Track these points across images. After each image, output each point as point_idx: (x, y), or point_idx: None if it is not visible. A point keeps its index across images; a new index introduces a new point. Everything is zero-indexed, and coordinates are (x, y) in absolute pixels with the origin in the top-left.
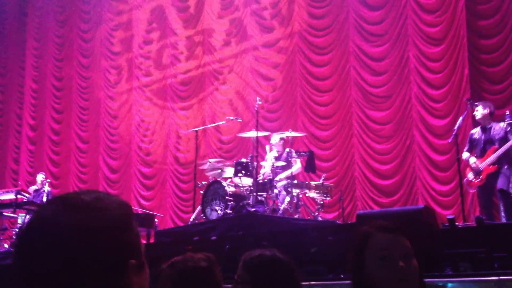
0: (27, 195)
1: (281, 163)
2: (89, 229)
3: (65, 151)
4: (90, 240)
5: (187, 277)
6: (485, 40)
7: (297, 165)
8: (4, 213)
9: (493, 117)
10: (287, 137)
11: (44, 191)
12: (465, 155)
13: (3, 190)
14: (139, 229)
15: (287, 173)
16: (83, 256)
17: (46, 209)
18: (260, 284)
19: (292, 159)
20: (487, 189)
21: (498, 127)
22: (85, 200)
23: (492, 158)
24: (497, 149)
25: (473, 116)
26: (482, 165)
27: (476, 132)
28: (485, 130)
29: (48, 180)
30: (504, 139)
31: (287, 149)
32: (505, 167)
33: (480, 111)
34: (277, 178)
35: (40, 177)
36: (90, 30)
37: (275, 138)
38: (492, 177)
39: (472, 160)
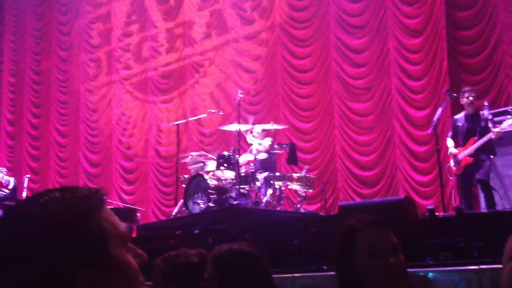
0: (6, 191)
1: (263, 155)
2: (29, 239)
3: (44, 146)
4: (27, 252)
5: (179, 272)
6: (464, 31)
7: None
8: None
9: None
10: (268, 129)
11: (7, 181)
12: (449, 142)
13: None
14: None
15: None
16: (20, 264)
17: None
18: (229, 279)
19: (275, 151)
20: (466, 179)
21: (480, 117)
22: (29, 209)
23: (470, 149)
24: (476, 141)
25: (457, 104)
26: (461, 155)
27: (460, 118)
28: (468, 118)
29: (28, 176)
30: (485, 129)
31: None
32: (484, 157)
33: (470, 97)
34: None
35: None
36: (68, 23)
37: (257, 129)
38: (471, 167)
39: (452, 150)
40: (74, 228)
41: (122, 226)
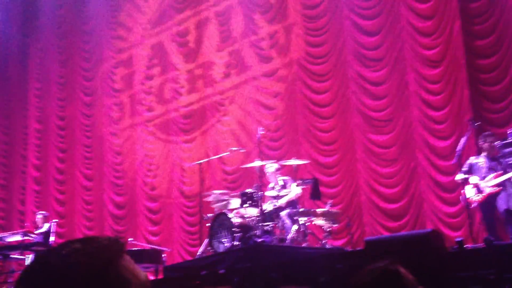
0: (34, 236)
1: (286, 191)
2: None
3: (70, 190)
4: None
5: None
6: (483, 60)
7: (294, 190)
8: (11, 255)
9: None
10: (281, 165)
11: (47, 229)
12: (460, 176)
13: (10, 232)
14: (146, 265)
15: (285, 199)
16: None
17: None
18: None
19: (288, 184)
20: (489, 209)
21: (500, 157)
22: (51, 261)
23: (497, 180)
24: (502, 175)
25: (480, 133)
26: (484, 184)
27: (480, 161)
28: (492, 159)
29: (55, 220)
30: (509, 164)
31: (283, 178)
32: (508, 187)
33: (487, 144)
34: (277, 204)
35: (39, 216)
36: (91, 69)
37: (268, 169)
38: (493, 196)
39: (475, 179)
40: (96, 278)
41: (142, 274)
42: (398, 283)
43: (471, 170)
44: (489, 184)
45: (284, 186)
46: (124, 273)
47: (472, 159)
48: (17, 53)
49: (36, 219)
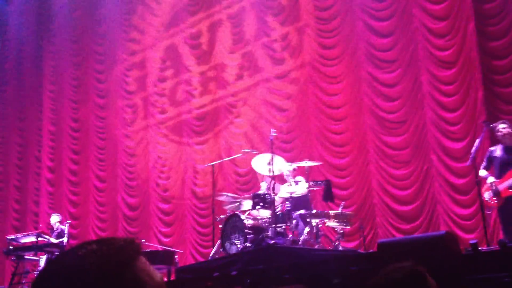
0: (48, 237)
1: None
2: None
3: (83, 192)
4: None
5: None
6: (498, 61)
7: (301, 188)
8: (26, 256)
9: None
10: (298, 167)
11: (59, 229)
12: (483, 172)
13: (24, 233)
14: (159, 266)
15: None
16: None
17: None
18: None
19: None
20: (507, 212)
21: None
22: (68, 262)
23: (510, 181)
24: None
25: (495, 135)
26: (500, 186)
27: (497, 149)
28: (507, 149)
29: (68, 221)
30: None
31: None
32: None
33: (507, 129)
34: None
35: (55, 218)
36: (105, 71)
37: (286, 169)
38: (511, 199)
39: (491, 180)
40: (112, 279)
41: (158, 275)
42: (425, 283)
43: (491, 162)
44: (504, 185)
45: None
46: (140, 274)
47: (490, 151)
48: (31, 55)
49: (52, 222)
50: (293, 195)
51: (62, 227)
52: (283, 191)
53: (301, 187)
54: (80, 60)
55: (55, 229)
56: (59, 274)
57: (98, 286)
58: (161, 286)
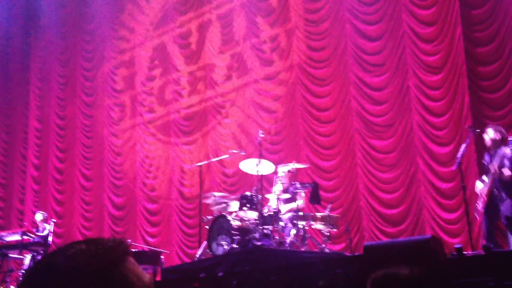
0: (33, 236)
1: (286, 196)
2: None
3: (69, 190)
4: None
5: None
6: (484, 67)
7: (301, 200)
8: (10, 255)
9: (504, 142)
10: (292, 169)
11: (43, 228)
12: (478, 183)
13: (9, 231)
14: (144, 266)
15: (291, 206)
16: None
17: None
18: None
19: (297, 191)
20: (489, 216)
21: (501, 153)
22: (56, 261)
23: (484, 187)
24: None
25: (481, 140)
26: (481, 190)
27: (486, 155)
28: (493, 156)
29: (53, 220)
30: (501, 165)
31: (292, 182)
32: (506, 193)
33: (490, 136)
34: (282, 211)
35: (39, 217)
36: (92, 69)
37: (282, 170)
38: (496, 204)
39: (479, 185)
40: (101, 280)
41: (146, 277)
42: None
43: (483, 169)
44: (484, 190)
45: (286, 190)
46: (128, 275)
47: (484, 157)
48: (18, 51)
49: (37, 220)
50: (290, 207)
51: (47, 225)
52: (284, 208)
53: (301, 202)
54: (68, 57)
55: (40, 228)
56: (47, 273)
57: (86, 286)
58: (150, 286)
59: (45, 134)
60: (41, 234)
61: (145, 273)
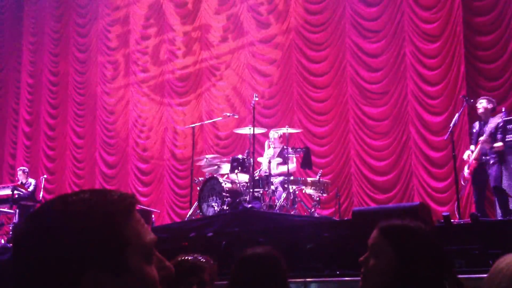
0: (23, 191)
1: (278, 160)
2: (46, 232)
3: (60, 147)
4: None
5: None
6: (482, 37)
7: (292, 164)
8: (1, 209)
9: (493, 113)
10: (284, 133)
11: (29, 183)
12: (468, 152)
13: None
14: None
15: (282, 169)
16: (39, 260)
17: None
18: (243, 282)
19: (289, 155)
20: (476, 184)
21: (493, 123)
22: (55, 205)
23: (475, 153)
24: (481, 143)
25: (474, 110)
26: (470, 160)
27: (475, 125)
28: (483, 125)
29: (44, 176)
30: (493, 135)
31: (284, 146)
32: (497, 163)
33: (483, 105)
34: (273, 174)
35: (20, 171)
36: (86, 25)
37: (273, 135)
38: (479, 171)
39: (466, 153)
40: (94, 230)
41: (149, 237)
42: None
43: (472, 139)
44: (472, 157)
45: (278, 155)
46: (125, 231)
47: (472, 127)
48: (12, 5)
49: (18, 175)
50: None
51: (31, 180)
52: (275, 171)
53: (292, 166)
54: (62, 12)
55: (26, 183)
56: (44, 216)
57: (77, 234)
58: (149, 247)
59: (38, 90)
60: (30, 189)
61: (148, 233)
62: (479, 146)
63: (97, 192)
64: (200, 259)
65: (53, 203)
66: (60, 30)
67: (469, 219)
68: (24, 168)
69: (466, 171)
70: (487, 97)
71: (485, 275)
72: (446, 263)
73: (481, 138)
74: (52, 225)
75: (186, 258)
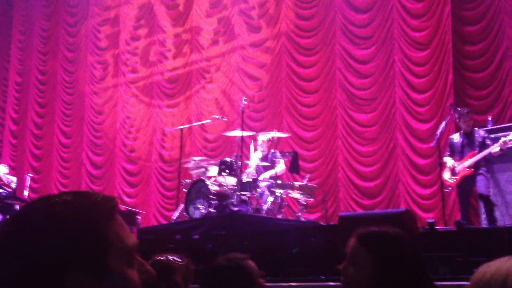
0: (8, 189)
1: (265, 164)
2: (28, 234)
3: (47, 146)
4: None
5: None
6: (470, 46)
7: (280, 166)
8: None
9: (474, 124)
10: (272, 137)
11: (10, 180)
12: (447, 159)
13: None
14: None
15: (270, 173)
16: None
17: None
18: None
19: (276, 159)
20: (464, 192)
21: (478, 134)
22: (37, 207)
23: (470, 161)
24: (476, 154)
25: (456, 122)
26: (459, 166)
27: (456, 137)
28: (466, 135)
29: (30, 175)
30: (482, 145)
31: (272, 150)
32: (484, 171)
33: (464, 118)
34: (260, 178)
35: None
36: (76, 25)
37: (262, 138)
38: (469, 180)
39: (450, 161)
40: (75, 232)
41: (131, 240)
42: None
43: (452, 149)
44: (464, 165)
45: (265, 158)
46: (107, 233)
47: (450, 138)
48: (1, 3)
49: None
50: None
51: (12, 178)
52: (262, 175)
53: (281, 167)
54: (52, 11)
55: (5, 181)
56: (26, 218)
57: (58, 237)
58: (131, 250)
59: (25, 88)
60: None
61: (130, 236)
62: (475, 157)
63: (79, 194)
64: (174, 259)
65: (35, 205)
66: (50, 29)
67: (454, 226)
68: (4, 165)
69: (448, 176)
70: (468, 109)
71: (468, 283)
72: (424, 270)
73: (490, 150)
74: (35, 227)
75: (157, 259)
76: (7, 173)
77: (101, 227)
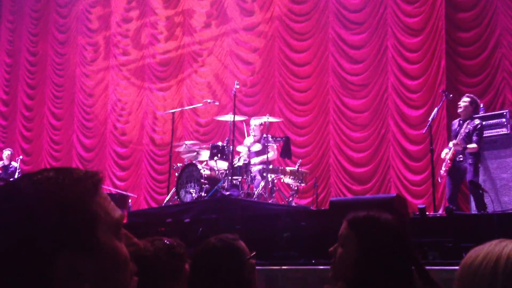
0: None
1: (257, 148)
2: (14, 213)
3: (37, 128)
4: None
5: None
6: (463, 33)
7: (273, 152)
8: None
9: (475, 112)
10: (265, 122)
11: (13, 167)
12: (446, 150)
13: None
14: None
15: (262, 158)
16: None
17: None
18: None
19: (269, 145)
20: (452, 180)
21: (471, 125)
22: (20, 185)
23: (450, 153)
24: (456, 145)
25: (453, 105)
26: (447, 156)
27: (454, 122)
28: (462, 123)
29: (20, 157)
30: (469, 136)
31: (264, 135)
32: (472, 160)
33: (465, 103)
34: (252, 162)
35: (6, 153)
36: (67, 5)
37: (254, 123)
38: (458, 167)
39: (444, 151)
40: (62, 209)
41: (116, 213)
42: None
43: (450, 134)
44: (448, 156)
45: (257, 143)
46: (93, 208)
47: (452, 124)
48: None
49: (4, 158)
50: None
51: (14, 163)
52: (254, 160)
53: (272, 154)
54: None
55: (9, 166)
56: (9, 195)
57: (47, 213)
58: (118, 223)
59: (15, 69)
60: (8, 173)
61: (116, 209)
62: (452, 148)
63: (62, 170)
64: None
65: (19, 183)
66: (40, 10)
67: (444, 212)
68: (11, 150)
69: (442, 169)
70: (472, 97)
71: (458, 267)
72: (412, 253)
73: (454, 141)
74: (20, 205)
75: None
76: (9, 157)
77: (87, 202)
